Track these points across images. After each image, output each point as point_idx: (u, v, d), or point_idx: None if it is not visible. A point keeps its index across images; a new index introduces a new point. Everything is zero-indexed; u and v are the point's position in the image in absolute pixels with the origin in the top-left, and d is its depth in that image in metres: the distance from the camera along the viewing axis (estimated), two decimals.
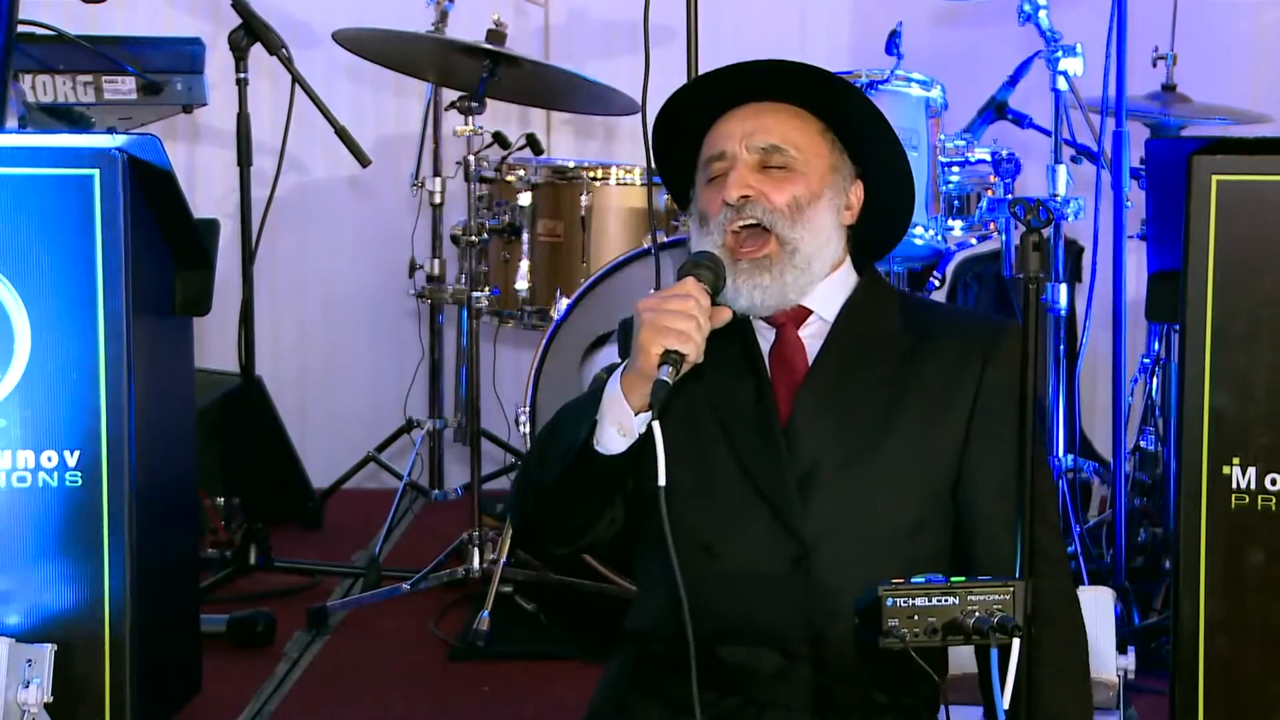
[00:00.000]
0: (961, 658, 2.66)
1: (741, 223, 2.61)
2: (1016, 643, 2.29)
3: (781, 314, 2.66)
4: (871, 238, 2.75)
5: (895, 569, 2.49)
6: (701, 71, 4.01)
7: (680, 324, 2.46)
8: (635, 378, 2.49)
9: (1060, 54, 4.53)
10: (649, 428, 2.46)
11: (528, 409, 4.38)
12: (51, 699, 3.48)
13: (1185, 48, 5.13)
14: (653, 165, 3.53)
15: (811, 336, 2.67)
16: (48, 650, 3.50)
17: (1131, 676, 3.50)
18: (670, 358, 2.45)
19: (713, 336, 2.56)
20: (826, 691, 2.58)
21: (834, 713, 2.58)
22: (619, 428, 2.52)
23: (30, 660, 3.47)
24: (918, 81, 4.55)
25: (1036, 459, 2.46)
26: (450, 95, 4.91)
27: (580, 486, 2.59)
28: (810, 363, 2.65)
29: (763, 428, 2.62)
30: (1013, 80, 4.89)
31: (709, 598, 2.58)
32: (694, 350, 2.47)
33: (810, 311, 2.67)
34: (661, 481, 2.41)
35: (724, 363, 2.63)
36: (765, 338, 2.69)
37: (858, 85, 4.36)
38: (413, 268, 5.39)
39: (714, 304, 2.54)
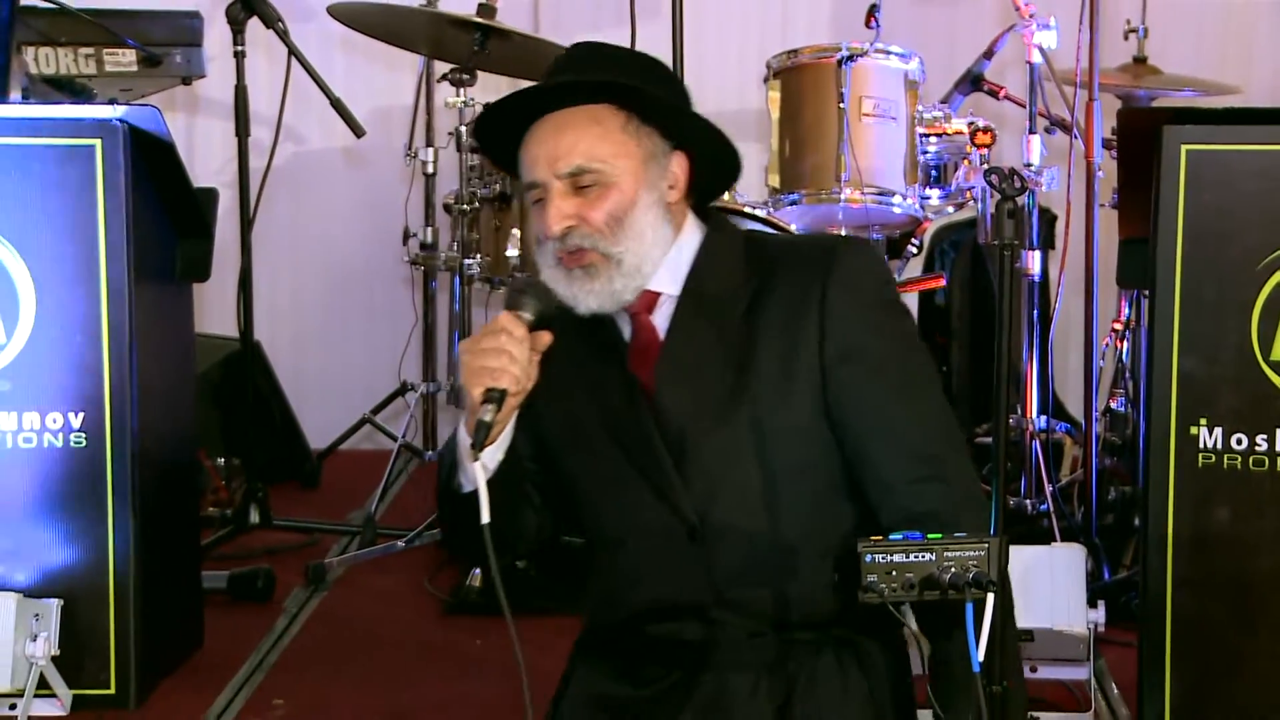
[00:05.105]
0: None
1: (567, 250, 2.61)
2: (991, 598, 2.30)
3: (633, 303, 2.65)
4: (712, 185, 2.74)
5: (792, 511, 2.57)
6: (687, 42, 4.00)
7: (492, 361, 2.48)
8: (470, 418, 2.52)
9: (1035, 28, 4.52)
10: (505, 452, 2.56)
11: None
12: (58, 652, 3.50)
13: (1156, 21, 5.12)
14: None
15: (664, 316, 2.66)
16: (54, 605, 3.51)
17: (1101, 630, 3.52)
18: (490, 395, 2.48)
19: (584, 335, 2.63)
20: (753, 647, 2.60)
21: (765, 665, 2.60)
22: (475, 467, 2.53)
23: (37, 615, 3.48)
24: (897, 54, 4.55)
25: (936, 398, 2.59)
26: (442, 67, 4.90)
27: (471, 523, 2.58)
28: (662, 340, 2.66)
29: (632, 412, 2.63)
30: (989, 54, 4.88)
31: (628, 585, 2.66)
32: (511, 381, 2.48)
33: (660, 294, 2.66)
34: (485, 519, 2.46)
35: (594, 361, 2.66)
36: (627, 327, 2.69)
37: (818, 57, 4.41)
38: (406, 235, 5.38)
39: (541, 328, 2.55)
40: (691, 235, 2.68)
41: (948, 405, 2.65)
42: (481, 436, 2.46)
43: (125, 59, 4.85)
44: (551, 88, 2.63)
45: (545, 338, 2.55)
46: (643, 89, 2.62)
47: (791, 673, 2.60)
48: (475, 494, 2.49)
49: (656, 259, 2.62)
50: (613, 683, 2.68)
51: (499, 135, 2.68)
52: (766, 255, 2.67)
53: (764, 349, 2.59)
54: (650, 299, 2.65)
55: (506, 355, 2.48)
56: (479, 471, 2.47)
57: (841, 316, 2.58)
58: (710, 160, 2.69)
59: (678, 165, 2.65)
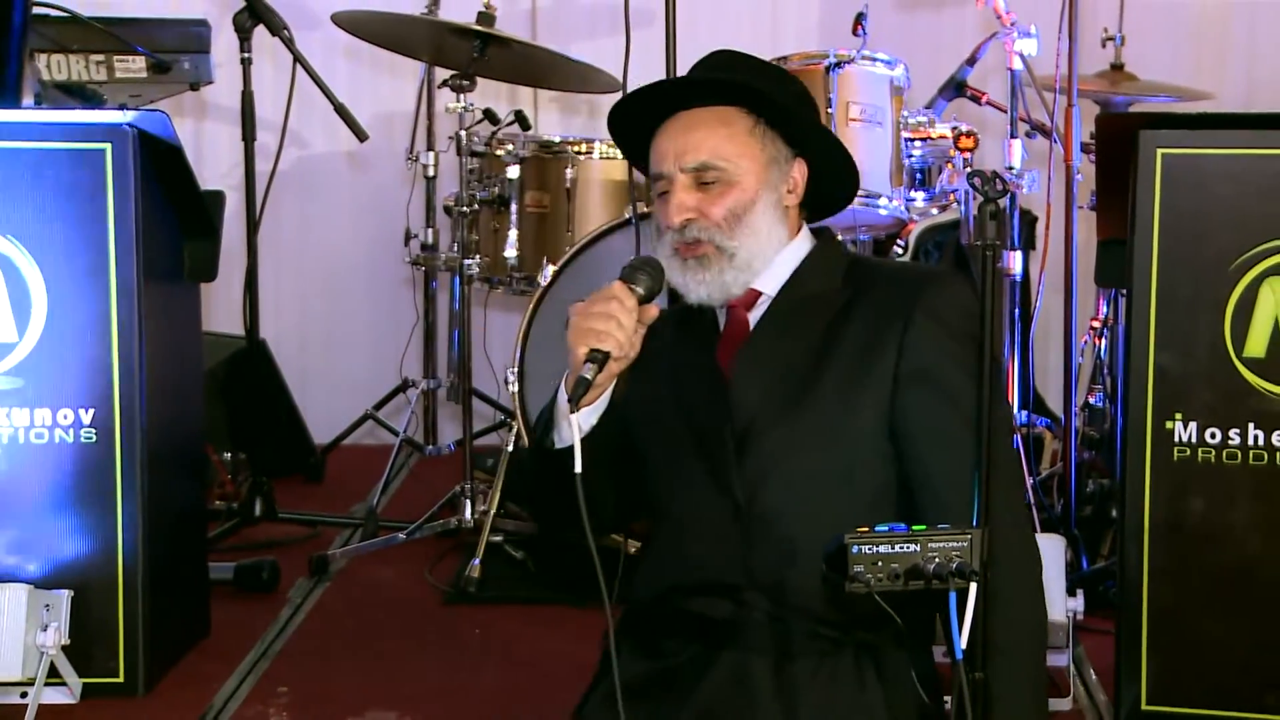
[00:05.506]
0: None
1: (685, 241, 2.65)
2: (973, 587, 2.30)
3: (735, 298, 2.68)
4: (828, 197, 2.76)
5: (832, 513, 2.56)
6: (680, 50, 4.01)
7: (600, 324, 2.53)
8: (571, 376, 2.56)
9: (1016, 35, 4.51)
10: (599, 417, 2.59)
11: (516, 369, 4.37)
12: (69, 641, 3.49)
13: (1133, 29, 5.13)
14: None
15: (759, 314, 2.69)
16: (65, 596, 3.50)
17: (1080, 617, 3.53)
18: (594, 355, 2.53)
19: (683, 321, 2.70)
20: (777, 634, 2.60)
21: (786, 653, 2.59)
22: (569, 423, 2.56)
23: (48, 605, 3.47)
24: (883, 61, 4.54)
25: (997, 419, 2.48)
26: (443, 74, 4.89)
27: (554, 483, 2.62)
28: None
29: (709, 395, 2.66)
30: (972, 60, 4.88)
31: (670, 555, 2.68)
32: (615, 346, 2.53)
33: (761, 293, 2.69)
34: (578, 469, 2.48)
35: (686, 345, 2.72)
36: (723, 319, 2.73)
37: (822, 63, 4.40)
38: (408, 237, 5.37)
39: (648, 302, 2.60)
40: (802, 243, 2.72)
41: (1014, 450, 2.65)
42: (580, 392, 2.50)
43: (135, 66, 4.84)
44: (686, 84, 2.68)
45: (652, 311, 2.60)
46: (770, 95, 2.65)
47: (811, 666, 2.59)
48: (567, 450, 2.52)
49: (768, 257, 2.67)
50: (638, 660, 2.67)
51: (633, 128, 2.73)
52: (866, 273, 2.71)
53: (842, 354, 2.62)
54: (752, 296, 2.69)
55: (614, 320, 2.53)
56: (575, 426, 2.49)
57: (922, 339, 2.59)
58: (830, 171, 2.72)
59: (798, 171, 2.70)
